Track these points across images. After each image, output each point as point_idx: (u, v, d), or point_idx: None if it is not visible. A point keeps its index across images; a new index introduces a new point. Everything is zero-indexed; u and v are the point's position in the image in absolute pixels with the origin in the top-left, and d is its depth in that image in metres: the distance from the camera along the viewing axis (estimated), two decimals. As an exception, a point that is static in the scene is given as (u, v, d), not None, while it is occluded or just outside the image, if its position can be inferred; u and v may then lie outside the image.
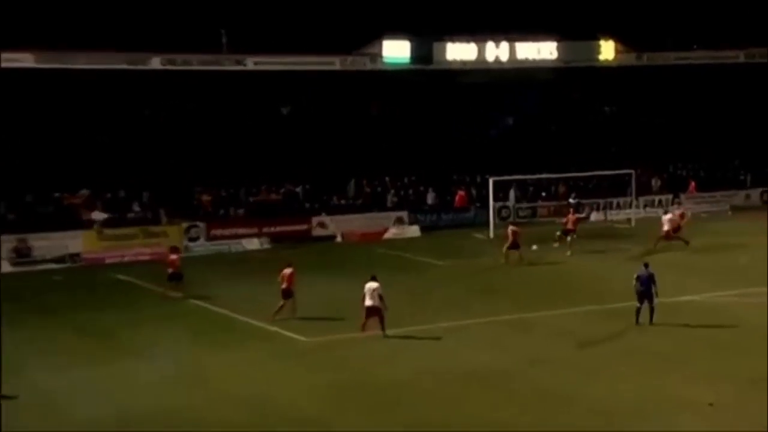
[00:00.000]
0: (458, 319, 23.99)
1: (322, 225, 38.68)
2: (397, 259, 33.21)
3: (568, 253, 32.73)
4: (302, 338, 22.58)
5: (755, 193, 46.94)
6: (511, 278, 29.76)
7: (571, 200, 38.34)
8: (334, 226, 38.62)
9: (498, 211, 40.55)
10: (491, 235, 36.74)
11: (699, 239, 35.82)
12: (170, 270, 27.01)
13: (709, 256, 32.73)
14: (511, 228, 32.47)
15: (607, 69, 48.95)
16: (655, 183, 46.28)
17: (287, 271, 23.91)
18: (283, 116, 44.89)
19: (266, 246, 36.57)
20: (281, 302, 23.71)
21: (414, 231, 39.46)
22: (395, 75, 44.74)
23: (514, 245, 31.53)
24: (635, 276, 22.81)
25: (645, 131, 50.17)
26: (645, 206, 44.21)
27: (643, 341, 21.88)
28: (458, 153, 45.52)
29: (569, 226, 33.85)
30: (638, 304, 22.72)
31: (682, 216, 34.82)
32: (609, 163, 45.52)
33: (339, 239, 38.04)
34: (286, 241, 37.01)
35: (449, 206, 42.05)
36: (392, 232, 39.06)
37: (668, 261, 24.35)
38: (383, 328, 21.92)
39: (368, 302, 21.78)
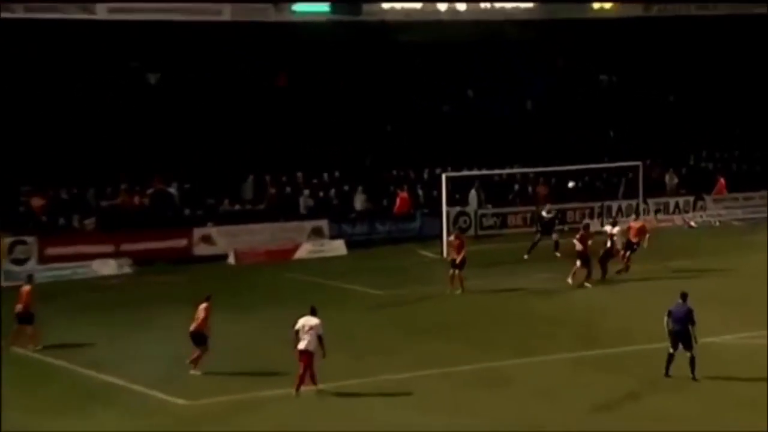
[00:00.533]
0: (402, 370, 24.10)
1: (207, 240, 38.68)
2: (315, 288, 33.29)
3: (588, 284, 32.82)
4: (181, 401, 22.31)
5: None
6: (472, 313, 30.07)
7: (545, 213, 38.31)
8: (225, 241, 38.66)
9: (454, 220, 40.86)
10: (444, 252, 36.65)
11: (729, 257, 36.49)
12: (19, 308, 26.75)
13: (743, 281, 33.36)
14: (453, 236, 32.87)
15: (604, 23, 49.72)
16: (671, 180, 47.13)
17: (203, 306, 24.19)
18: (150, 86, 44.61)
19: (126, 270, 36.34)
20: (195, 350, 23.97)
21: (338, 248, 39.64)
22: (309, 31, 44.75)
23: (459, 262, 31.89)
24: (667, 311, 23.22)
25: (655, 109, 51.09)
26: (657, 211, 45.01)
27: (661, 401, 22.09)
28: (399, 139, 45.78)
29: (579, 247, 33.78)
30: (671, 349, 23.10)
31: (640, 230, 34.48)
32: (607, 152, 46.29)
33: (232, 260, 38.04)
34: (157, 262, 36.88)
35: (386, 213, 42.31)
36: (307, 250, 39.19)
37: (683, 287, 24.95)
38: (300, 382, 22.19)
39: (301, 344, 22.14)
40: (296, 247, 39.11)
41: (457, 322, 28.99)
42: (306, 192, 41.84)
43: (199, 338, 23.92)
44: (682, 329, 22.90)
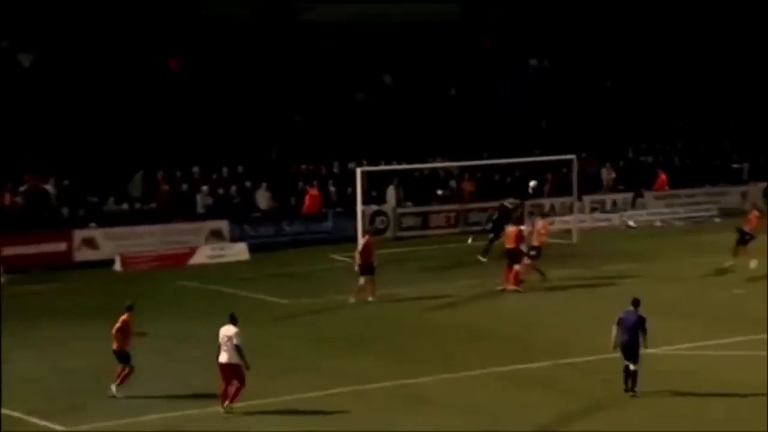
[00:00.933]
0: (311, 388, 23.95)
1: (90, 243, 38.31)
2: (214, 297, 33.11)
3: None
4: (59, 427, 21.90)
5: (756, 191, 48.72)
6: (390, 324, 30.05)
7: (507, 204, 38.53)
8: (111, 245, 38.37)
9: (370, 220, 40.93)
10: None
11: (667, 261, 36.88)
12: None
13: (684, 288, 33.71)
14: (365, 238, 33.01)
15: (534, 1, 50.04)
16: (608, 175, 47.54)
17: (122, 318, 23.83)
18: (21, 67, 43.87)
19: (-1, 279, 35.69)
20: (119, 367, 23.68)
21: (239, 251, 39.48)
22: (205, 9, 44.39)
23: (366, 266, 31.86)
24: (616, 319, 23.29)
25: (591, 96, 51.53)
26: (593, 210, 45.34)
27: (602, 420, 22.14)
28: (307, 131, 45.65)
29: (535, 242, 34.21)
30: (626, 361, 23.17)
31: (539, 234, 34.74)
32: (537, 144, 46.59)
33: (118, 266, 37.69)
34: (33, 269, 36.41)
35: (294, 212, 42.15)
36: (205, 254, 38.99)
37: (622, 294, 25.16)
38: (232, 398, 22.36)
39: (223, 357, 22.34)
40: (192, 252, 38.94)
41: (372, 334, 28.97)
42: (203, 189, 41.56)
43: (124, 356, 23.56)
44: (630, 340, 23.00)
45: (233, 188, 42.22)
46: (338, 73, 48.33)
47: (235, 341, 22.23)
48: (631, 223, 45.51)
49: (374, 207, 42.09)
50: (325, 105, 46.98)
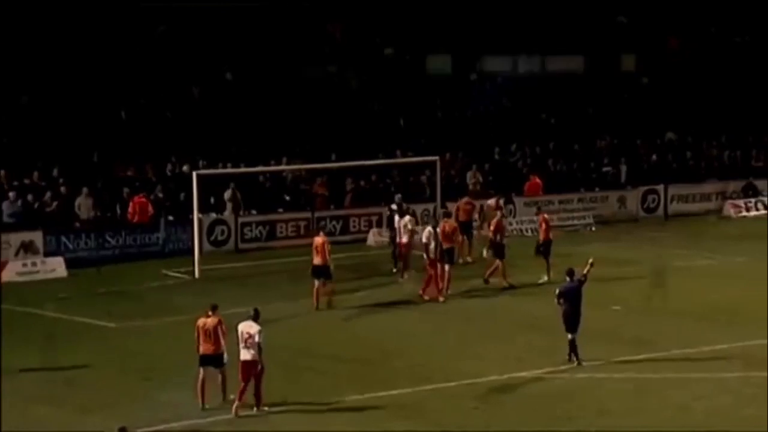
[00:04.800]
0: (138, 424, 23.40)
1: None
2: (28, 320, 32.74)
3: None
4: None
5: (633, 196, 49.49)
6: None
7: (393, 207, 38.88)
8: None
9: (209, 229, 40.75)
10: (196, 271, 37.10)
11: (531, 272, 37.03)
12: None
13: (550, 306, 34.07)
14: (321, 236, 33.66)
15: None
16: (473, 178, 47.79)
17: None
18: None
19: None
20: None
21: (56, 267, 38.95)
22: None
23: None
24: (557, 292, 26.86)
25: (442, 85, 52.10)
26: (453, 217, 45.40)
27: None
28: (135, 129, 45.24)
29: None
30: (570, 334, 26.54)
31: (453, 231, 35.50)
32: (398, 143, 46.75)
33: None
34: None
35: (120, 222, 41.80)
36: (14, 270, 38.34)
37: (485, 310, 25.94)
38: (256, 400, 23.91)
39: (245, 355, 23.88)
40: (0, 267, 38.04)
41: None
42: (11, 195, 40.71)
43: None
44: (572, 308, 26.23)
45: (48, 194, 41.44)
46: (172, 65, 47.97)
47: (257, 339, 23.73)
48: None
49: (213, 215, 41.88)
50: (156, 101, 46.72)
